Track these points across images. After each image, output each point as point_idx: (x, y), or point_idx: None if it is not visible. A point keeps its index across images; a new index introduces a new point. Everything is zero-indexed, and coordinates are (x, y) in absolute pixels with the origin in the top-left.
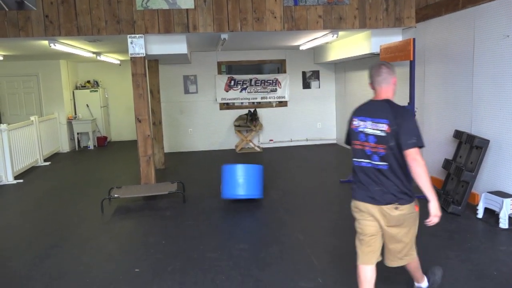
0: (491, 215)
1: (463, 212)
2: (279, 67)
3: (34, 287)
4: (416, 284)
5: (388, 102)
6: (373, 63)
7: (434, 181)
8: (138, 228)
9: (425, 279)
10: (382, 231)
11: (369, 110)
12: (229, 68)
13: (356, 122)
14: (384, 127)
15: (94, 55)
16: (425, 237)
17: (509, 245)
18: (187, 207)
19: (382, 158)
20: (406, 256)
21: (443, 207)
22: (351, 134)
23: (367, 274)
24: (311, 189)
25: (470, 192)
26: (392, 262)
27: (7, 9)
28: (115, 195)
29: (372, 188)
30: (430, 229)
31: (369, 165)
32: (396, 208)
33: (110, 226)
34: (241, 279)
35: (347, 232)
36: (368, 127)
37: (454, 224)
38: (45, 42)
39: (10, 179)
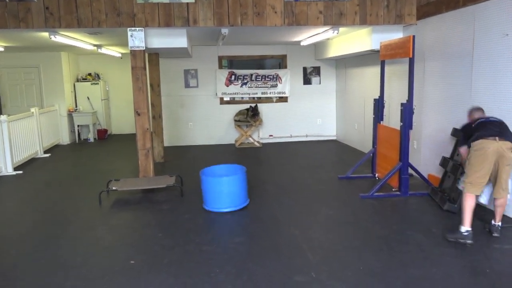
0: (488, 213)
1: (458, 210)
2: (280, 62)
3: (31, 278)
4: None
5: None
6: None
7: (431, 179)
8: (136, 221)
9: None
10: None
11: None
12: (230, 63)
13: (478, 118)
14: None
15: (95, 48)
16: (421, 234)
17: (502, 243)
18: (184, 201)
19: None
20: None
21: (440, 204)
22: (474, 124)
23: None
24: (309, 185)
25: None
26: None
27: (7, 0)
28: (113, 188)
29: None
30: (425, 225)
31: (488, 119)
32: None
33: (107, 218)
34: (236, 273)
35: (343, 228)
36: (485, 119)
37: (449, 222)
38: (46, 34)
39: (9, 170)
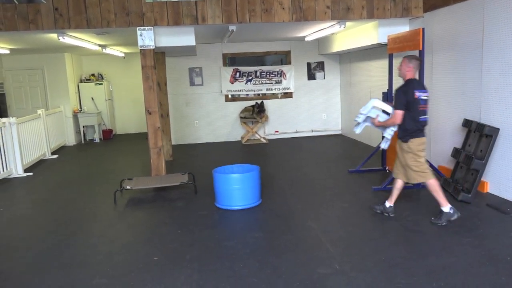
0: (502, 203)
1: (473, 199)
2: (283, 58)
3: (56, 276)
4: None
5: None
6: (410, 56)
7: (442, 170)
8: (152, 219)
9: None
10: None
11: (420, 85)
12: (234, 60)
13: (418, 94)
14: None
15: (100, 48)
16: (436, 224)
17: None
18: (198, 198)
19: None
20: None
21: (453, 195)
22: (416, 102)
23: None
24: (320, 180)
25: (480, 180)
26: None
27: (17, 3)
28: (128, 187)
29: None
30: None
31: (427, 119)
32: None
33: (124, 216)
34: (259, 266)
35: (360, 220)
36: (423, 95)
37: (465, 212)
38: (54, 35)
39: (20, 172)
